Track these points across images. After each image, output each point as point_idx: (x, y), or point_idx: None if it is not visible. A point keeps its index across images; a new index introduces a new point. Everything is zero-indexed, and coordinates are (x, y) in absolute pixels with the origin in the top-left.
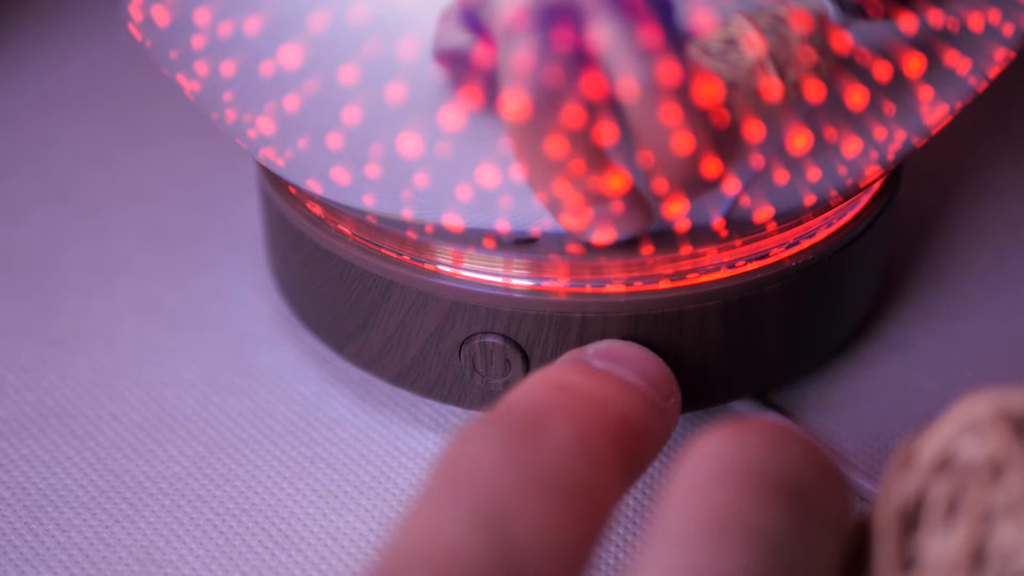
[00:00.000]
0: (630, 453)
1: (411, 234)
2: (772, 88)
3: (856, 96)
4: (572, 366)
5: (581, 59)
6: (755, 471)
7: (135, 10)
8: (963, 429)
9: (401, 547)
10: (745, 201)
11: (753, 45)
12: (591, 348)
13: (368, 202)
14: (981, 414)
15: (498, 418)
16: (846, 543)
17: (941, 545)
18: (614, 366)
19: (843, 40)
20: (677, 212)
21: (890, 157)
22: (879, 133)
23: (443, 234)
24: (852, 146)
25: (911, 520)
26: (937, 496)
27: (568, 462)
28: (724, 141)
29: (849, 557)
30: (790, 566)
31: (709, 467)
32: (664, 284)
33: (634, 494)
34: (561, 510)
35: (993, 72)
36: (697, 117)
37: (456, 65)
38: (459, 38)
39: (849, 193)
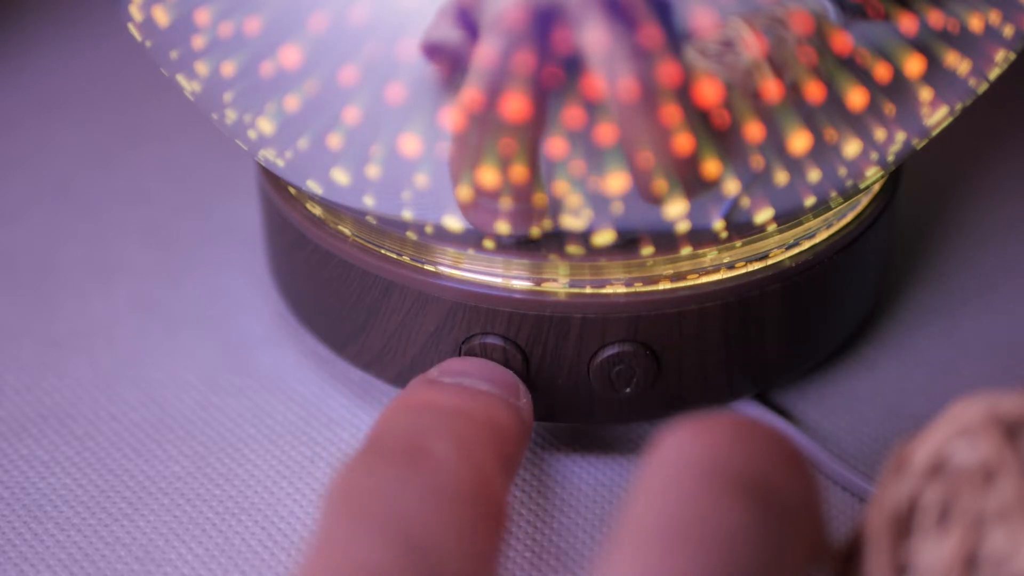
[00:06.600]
0: (504, 453)
1: (411, 234)
2: (770, 89)
3: (856, 97)
4: (425, 387)
5: (577, 60)
6: (716, 469)
7: (135, 10)
8: (955, 434)
9: None
10: (745, 202)
11: (750, 47)
12: (434, 369)
13: (368, 202)
14: (973, 419)
15: (377, 449)
16: (822, 541)
17: (934, 551)
18: (462, 379)
19: (843, 40)
20: (676, 213)
21: (890, 158)
22: (879, 134)
23: (443, 234)
24: (852, 147)
25: (904, 526)
26: (930, 501)
27: (456, 472)
28: (722, 142)
29: (842, 563)
30: (754, 563)
31: (671, 467)
32: (664, 285)
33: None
34: (463, 517)
35: (993, 73)
36: (694, 118)
37: (447, 61)
38: (452, 35)
39: (849, 194)
